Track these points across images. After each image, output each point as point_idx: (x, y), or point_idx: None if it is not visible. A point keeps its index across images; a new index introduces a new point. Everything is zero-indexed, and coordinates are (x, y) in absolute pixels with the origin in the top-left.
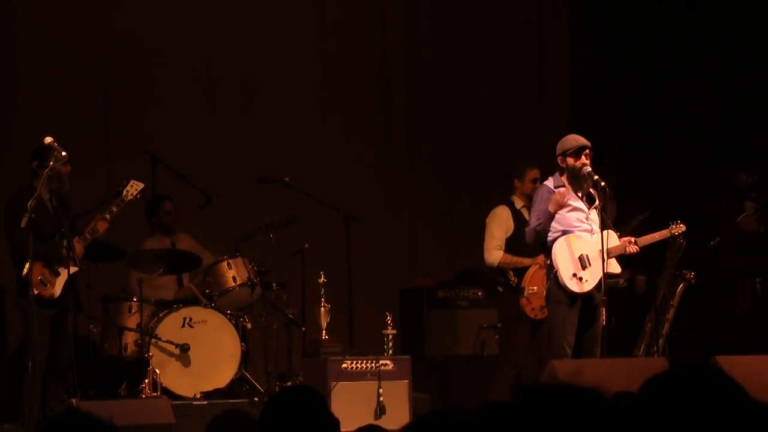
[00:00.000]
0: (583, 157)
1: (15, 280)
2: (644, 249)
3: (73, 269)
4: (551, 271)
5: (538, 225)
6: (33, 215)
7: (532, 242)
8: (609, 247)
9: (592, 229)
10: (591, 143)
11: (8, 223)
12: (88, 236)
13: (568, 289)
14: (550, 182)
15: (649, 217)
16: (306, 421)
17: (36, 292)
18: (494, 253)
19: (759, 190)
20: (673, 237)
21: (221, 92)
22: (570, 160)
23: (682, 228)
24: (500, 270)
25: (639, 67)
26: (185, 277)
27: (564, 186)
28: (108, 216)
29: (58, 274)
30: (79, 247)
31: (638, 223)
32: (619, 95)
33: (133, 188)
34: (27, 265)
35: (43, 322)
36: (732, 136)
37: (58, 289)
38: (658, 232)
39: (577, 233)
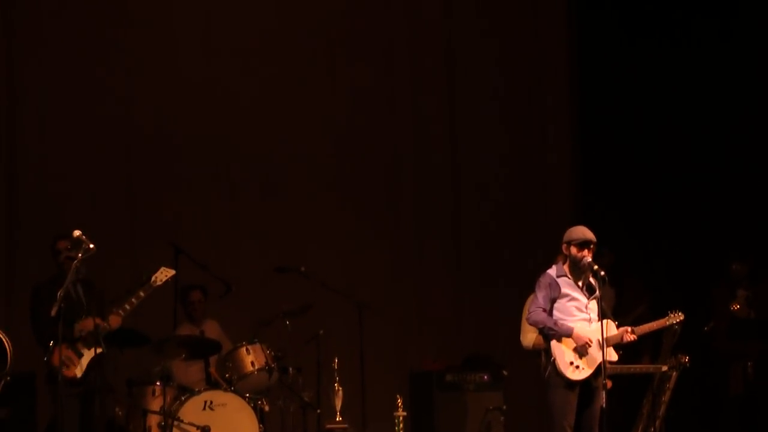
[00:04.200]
0: (586, 250)
1: (43, 365)
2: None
3: (99, 349)
4: (550, 357)
5: (550, 330)
6: (63, 305)
7: (535, 325)
8: (607, 336)
9: (590, 318)
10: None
11: (35, 312)
12: (124, 310)
13: (566, 376)
14: (553, 270)
15: (649, 308)
16: None
17: (60, 372)
18: None
19: (750, 278)
20: (672, 327)
21: (240, 187)
22: (573, 250)
23: (681, 317)
24: None
25: (637, 156)
26: (211, 363)
27: (565, 275)
28: (135, 300)
29: (81, 355)
30: (117, 319)
31: (637, 315)
32: (619, 189)
33: (163, 275)
34: (55, 350)
35: (69, 402)
36: (726, 227)
37: (80, 369)
38: (656, 321)
39: (574, 323)
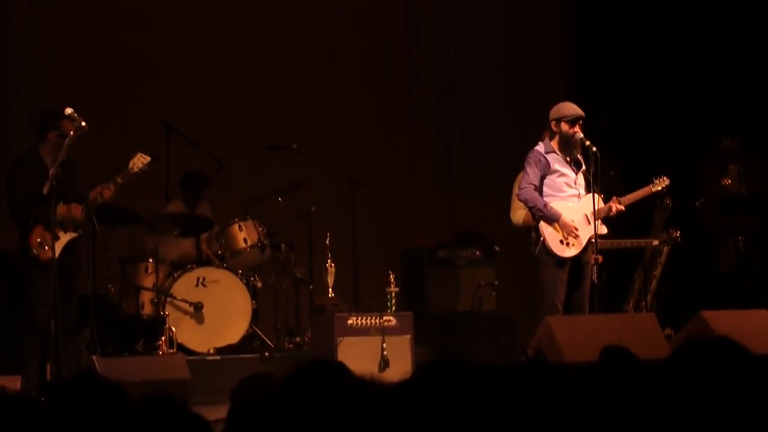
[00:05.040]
0: (577, 126)
1: (17, 243)
2: (633, 209)
3: (73, 234)
4: (539, 235)
5: (539, 212)
6: (54, 182)
7: (524, 203)
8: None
9: (579, 194)
10: (582, 109)
11: (11, 189)
12: (95, 201)
13: (556, 254)
14: (541, 147)
15: (619, 177)
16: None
17: (35, 253)
18: None
19: (741, 153)
20: (658, 195)
21: (232, 62)
22: (564, 126)
23: (666, 182)
24: None
25: (629, 37)
26: (203, 240)
27: (554, 152)
28: (113, 186)
29: (57, 238)
30: (77, 210)
31: (606, 185)
32: (609, 63)
33: (140, 161)
34: (34, 229)
35: (43, 283)
36: (716, 103)
37: (56, 252)
38: (641, 190)
39: (564, 199)
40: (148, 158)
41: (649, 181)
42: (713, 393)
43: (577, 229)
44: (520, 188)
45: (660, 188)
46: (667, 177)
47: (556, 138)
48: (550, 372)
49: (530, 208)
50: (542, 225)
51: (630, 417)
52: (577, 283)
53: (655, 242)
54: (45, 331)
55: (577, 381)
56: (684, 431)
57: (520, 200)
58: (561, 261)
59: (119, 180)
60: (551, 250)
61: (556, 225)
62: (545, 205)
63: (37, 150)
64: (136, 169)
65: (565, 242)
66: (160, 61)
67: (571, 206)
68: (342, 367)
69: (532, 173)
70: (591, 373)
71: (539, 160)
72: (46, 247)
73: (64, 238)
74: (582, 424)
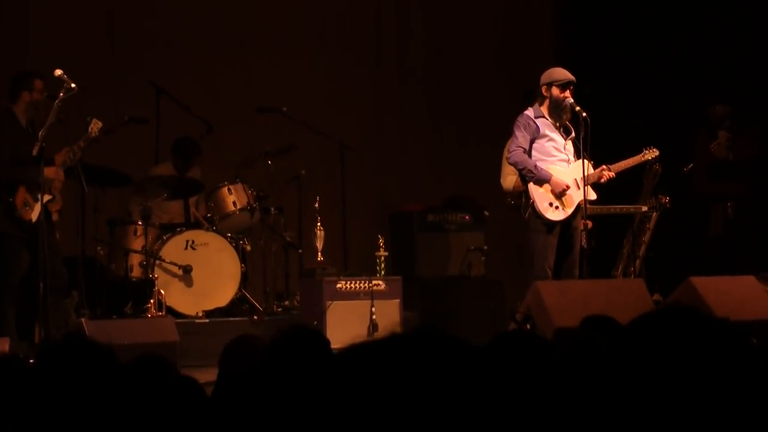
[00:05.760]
0: (568, 91)
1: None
2: (622, 175)
3: (48, 197)
4: (528, 202)
5: (529, 173)
6: (44, 144)
7: (514, 166)
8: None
9: (568, 159)
10: (573, 75)
11: None
12: (63, 164)
13: (546, 217)
14: (530, 112)
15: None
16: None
17: (19, 213)
18: None
19: (732, 120)
20: (648, 163)
21: (223, 25)
22: (555, 91)
23: (655, 153)
24: None
25: (619, 3)
26: (192, 203)
27: (543, 117)
28: (76, 149)
29: (37, 200)
30: (61, 173)
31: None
32: (599, 29)
33: (95, 126)
34: (19, 190)
35: (20, 245)
36: (707, 70)
37: (35, 214)
38: (631, 158)
39: (554, 163)
40: (100, 123)
41: (638, 148)
42: (672, 361)
43: (568, 187)
44: (509, 152)
45: (650, 158)
46: (657, 147)
47: (546, 103)
48: (529, 345)
49: (520, 170)
50: (532, 188)
51: (611, 384)
52: (567, 249)
53: (644, 208)
54: (33, 293)
55: (561, 347)
56: (641, 400)
57: (510, 163)
58: (550, 225)
59: (82, 144)
60: (540, 213)
61: (546, 187)
62: (536, 166)
63: (11, 110)
64: (94, 134)
65: (554, 206)
66: (151, 24)
67: (560, 170)
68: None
69: (521, 137)
70: (573, 340)
71: (528, 124)
72: (28, 208)
73: (41, 200)
74: (563, 391)
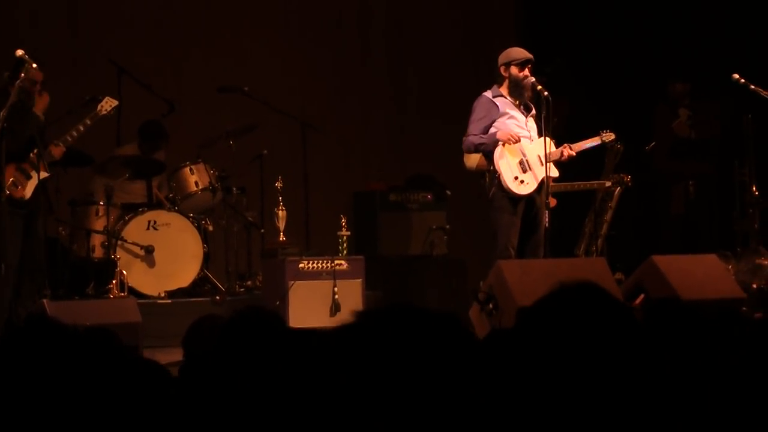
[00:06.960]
0: (527, 69)
1: None
2: (584, 154)
3: (44, 174)
4: (494, 176)
5: (481, 144)
6: (5, 125)
7: (469, 152)
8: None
9: (530, 136)
10: (533, 55)
11: None
12: (69, 139)
13: (511, 191)
14: (489, 93)
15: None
16: (266, 344)
17: (8, 193)
18: None
19: (692, 98)
20: (607, 143)
21: (184, 4)
22: (514, 70)
23: (612, 136)
24: None
25: None
26: (154, 184)
27: (502, 96)
28: (82, 127)
29: (29, 177)
30: (59, 150)
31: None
32: (560, 8)
33: (108, 104)
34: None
35: (16, 223)
36: (667, 47)
37: (29, 191)
38: (590, 139)
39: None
40: (116, 102)
41: (598, 128)
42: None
43: (517, 137)
44: (463, 142)
45: (606, 141)
46: (617, 125)
47: (506, 83)
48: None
49: (477, 149)
50: (497, 163)
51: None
52: (532, 229)
53: (608, 183)
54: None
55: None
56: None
57: (465, 151)
58: (515, 200)
59: (88, 122)
60: (507, 186)
61: (512, 160)
62: (481, 137)
63: (6, 91)
64: (104, 112)
65: (519, 179)
66: (112, 3)
67: (523, 145)
68: (276, 315)
69: (473, 126)
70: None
71: (484, 105)
72: (18, 187)
73: (36, 177)
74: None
